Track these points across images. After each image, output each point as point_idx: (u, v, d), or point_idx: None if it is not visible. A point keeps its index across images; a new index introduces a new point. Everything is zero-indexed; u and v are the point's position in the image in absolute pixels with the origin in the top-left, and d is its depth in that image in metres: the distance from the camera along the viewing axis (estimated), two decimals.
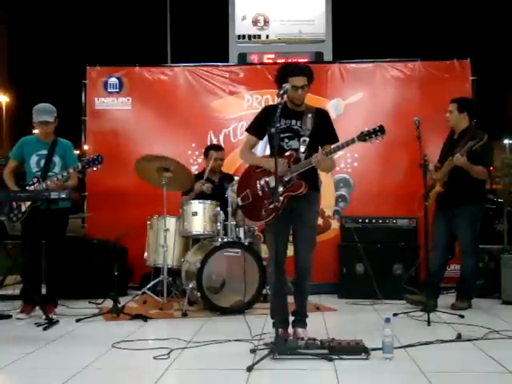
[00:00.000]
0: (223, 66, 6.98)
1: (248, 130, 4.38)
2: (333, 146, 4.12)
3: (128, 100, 6.81)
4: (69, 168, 5.07)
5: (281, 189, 4.02)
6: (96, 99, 6.81)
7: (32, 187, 5.04)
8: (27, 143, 5.26)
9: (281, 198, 3.97)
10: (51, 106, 5.21)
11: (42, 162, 5.14)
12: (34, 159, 5.15)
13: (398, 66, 6.70)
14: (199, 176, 6.07)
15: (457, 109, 5.36)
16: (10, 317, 5.07)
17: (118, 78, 6.82)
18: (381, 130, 4.04)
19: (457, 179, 5.18)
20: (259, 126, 4.23)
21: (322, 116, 4.24)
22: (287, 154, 4.10)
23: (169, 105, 6.80)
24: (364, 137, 4.05)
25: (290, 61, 7.62)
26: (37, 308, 5.08)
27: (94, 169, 5.08)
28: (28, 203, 5.00)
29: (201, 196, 5.88)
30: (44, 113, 5.13)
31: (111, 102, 6.81)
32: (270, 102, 6.41)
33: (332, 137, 4.23)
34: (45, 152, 5.16)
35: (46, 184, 4.99)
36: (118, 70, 6.88)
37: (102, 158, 5.08)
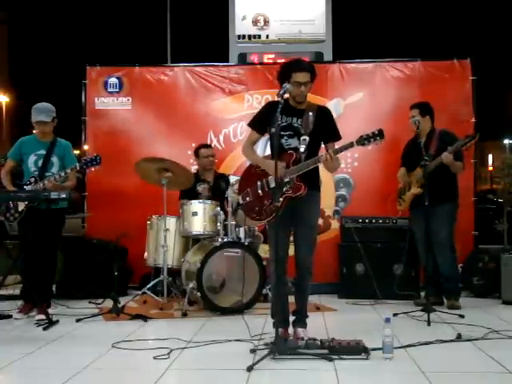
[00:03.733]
0: (223, 65, 6.97)
1: (250, 124, 4.34)
2: (333, 149, 4.11)
3: (128, 100, 6.80)
4: (67, 168, 5.06)
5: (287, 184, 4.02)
6: (96, 99, 6.79)
7: (29, 187, 5.03)
8: (25, 143, 5.25)
9: (280, 199, 3.97)
10: (50, 106, 5.19)
11: (40, 162, 5.13)
12: (31, 159, 5.14)
13: (398, 65, 6.70)
14: (194, 177, 6.08)
15: (419, 113, 5.50)
16: (10, 317, 5.07)
17: (117, 78, 6.80)
18: (380, 135, 4.02)
19: (432, 179, 5.21)
20: (261, 121, 4.19)
21: (323, 114, 4.23)
22: (287, 154, 4.10)
23: (169, 105, 6.79)
24: (363, 141, 4.04)
25: None
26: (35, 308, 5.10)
27: (92, 169, 5.07)
28: (25, 203, 4.99)
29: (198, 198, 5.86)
30: (41, 113, 5.12)
31: (111, 101, 6.80)
32: None
33: (335, 135, 4.24)
34: (43, 152, 5.15)
35: (44, 184, 4.99)
36: (117, 69, 6.86)
37: (100, 159, 5.09)
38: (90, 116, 6.79)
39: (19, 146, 5.25)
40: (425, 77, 6.61)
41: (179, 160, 6.20)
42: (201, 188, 5.93)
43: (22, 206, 5.02)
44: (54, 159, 5.16)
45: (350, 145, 4.07)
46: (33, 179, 5.07)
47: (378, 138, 4.02)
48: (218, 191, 5.89)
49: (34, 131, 5.38)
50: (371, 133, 4.04)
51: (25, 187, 5.05)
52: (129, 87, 6.81)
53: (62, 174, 5.01)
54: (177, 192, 6.01)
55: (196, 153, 6.24)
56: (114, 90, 6.80)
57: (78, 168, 5.05)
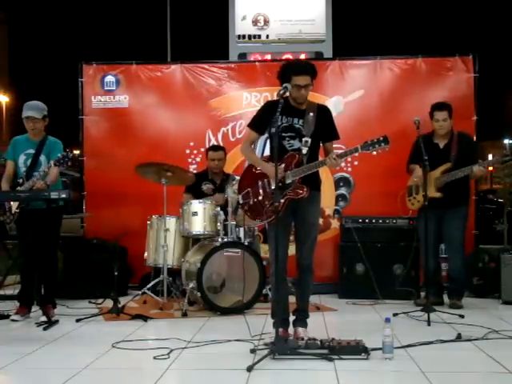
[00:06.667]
0: (221, 63, 6.89)
1: (249, 125, 4.31)
2: (336, 154, 4.07)
3: (125, 98, 6.76)
4: (44, 167, 4.95)
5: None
6: (93, 97, 6.74)
7: (18, 187, 4.96)
8: (17, 142, 5.17)
9: (282, 201, 3.97)
10: (42, 105, 5.12)
11: (29, 162, 5.07)
12: (21, 158, 5.08)
13: (399, 62, 6.61)
14: (201, 175, 6.06)
15: (449, 115, 5.44)
16: (8, 317, 5.05)
17: (114, 76, 6.76)
18: (385, 141, 4.01)
19: (449, 182, 5.20)
20: (261, 122, 4.16)
21: (323, 113, 4.22)
22: (290, 155, 4.08)
23: (166, 103, 6.75)
24: (368, 146, 4.03)
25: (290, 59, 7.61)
26: (33, 310, 5.09)
27: (69, 164, 4.96)
28: (17, 204, 4.93)
29: (203, 196, 5.86)
30: (31, 109, 5.04)
31: (108, 100, 6.75)
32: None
33: (334, 135, 4.24)
34: (32, 151, 5.08)
35: (29, 184, 4.91)
36: (114, 67, 6.80)
37: (69, 155, 4.87)
38: (87, 114, 6.74)
39: (13, 145, 5.17)
40: (426, 73, 6.54)
41: (177, 159, 6.20)
42: (205, 187, 5.93)
43: (14, 207, 4.96)
44: (42, 158, 5.07)
45: (355, 150, 4.06)
46: (21, 180, 5.00)
47: (382, 144, 4.01)
48: (221, 191, 5.88)
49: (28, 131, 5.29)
50: (376, 139, 4.03)
51: (17, 189, 4.97)
52: (126, 85, 6.75)
53: (41, 172, 4.89)
54: (177, 191, 5.99)
55: (206, 153, 6.18)
56: (111, 88, 6.76)
57: (52, 165, 4.85)
